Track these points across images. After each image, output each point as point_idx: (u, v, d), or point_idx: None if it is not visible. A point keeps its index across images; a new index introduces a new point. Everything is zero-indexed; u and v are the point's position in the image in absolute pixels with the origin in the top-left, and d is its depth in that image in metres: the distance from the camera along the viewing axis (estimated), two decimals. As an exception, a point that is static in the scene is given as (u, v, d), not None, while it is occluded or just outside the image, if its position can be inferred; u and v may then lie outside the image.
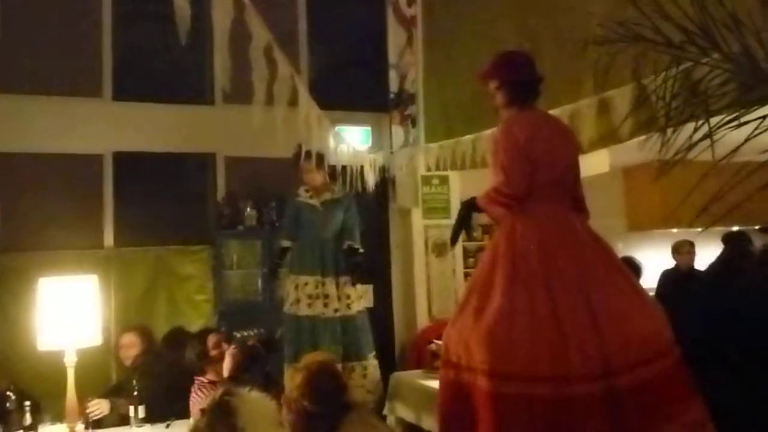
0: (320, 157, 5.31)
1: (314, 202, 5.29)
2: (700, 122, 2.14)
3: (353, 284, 5.17)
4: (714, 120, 2.16)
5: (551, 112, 4.79)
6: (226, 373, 4.11)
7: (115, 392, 4.34)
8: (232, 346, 4.26)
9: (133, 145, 6.30)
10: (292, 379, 2.80)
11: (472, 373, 2.77)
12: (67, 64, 6.26)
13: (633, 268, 5.10)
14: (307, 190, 5.36)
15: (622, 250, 6.73)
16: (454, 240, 3.25)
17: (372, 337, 5.27)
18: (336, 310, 5.04)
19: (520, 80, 3.10)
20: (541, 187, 2.95)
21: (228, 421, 1.93)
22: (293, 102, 6.33)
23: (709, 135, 2.06)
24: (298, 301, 5.10)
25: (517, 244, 2.87)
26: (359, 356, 5.11)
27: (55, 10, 6.21)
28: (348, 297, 5.13)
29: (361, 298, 5.29)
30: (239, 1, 4.41)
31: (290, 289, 5.18)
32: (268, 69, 5.76)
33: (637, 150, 3.09)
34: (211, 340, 4.39)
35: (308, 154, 5.19)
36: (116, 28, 6.45)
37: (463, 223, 3.10)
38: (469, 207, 3.09)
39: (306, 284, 5.09)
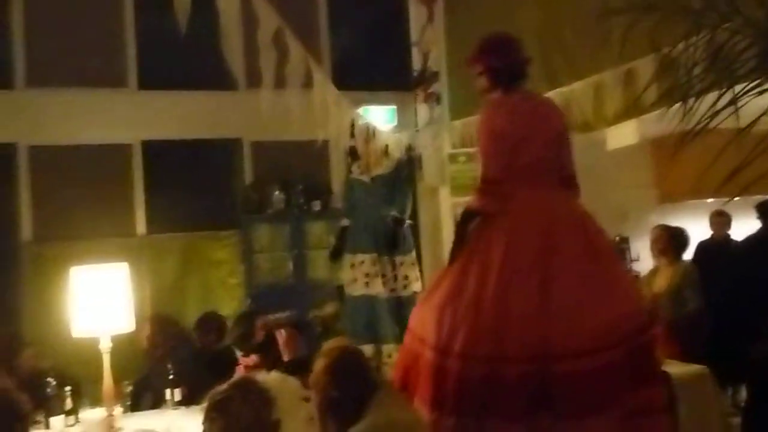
0: (371, 131, 5.17)
1: (365, 178, 5.10)
2: (723, 90, 2.10)
3: (389, 253, 4.93)
4: (738, 87, 2.11)
5: (574, 85, 4.77)
6: (287, 357, 4.11)
7: (147, 378, 4.45)
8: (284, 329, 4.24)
9: (160, 134, 6.38)
10: (315, 365, 2.81)
11: (422, 344, 2.98)
12: (93, 55, 6.33)
13: (678, 239, 5.07)
14: (358, 166, 5.18)
15: (654, 222, 6.65)
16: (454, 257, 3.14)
17: None
18: (392, 290, 4.88)
19: (501, 65, 3.09)
20: (520, 169, 2.96)
21: (264, 414, 1.93)
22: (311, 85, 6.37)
23: (733, 102, 2.02)
24: (354, 280, 4.94)
25: (483, 229, 2.96)
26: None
27: (78, 2, 6.28)
28: (405, 278, 4.93)
29: (417, 279, 5.01)
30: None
31: (347, 268, 5.03)
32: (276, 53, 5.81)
33: (664, 120, 3.05)
34: (260, 322, 4.47)
35: (359, 128, 5.12)
36: (138, 18, 6.50)
37: (462, 238, 3.08)
38: (466, 219, 3.08)
39: (362, 262, 4.90)
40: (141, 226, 6.40)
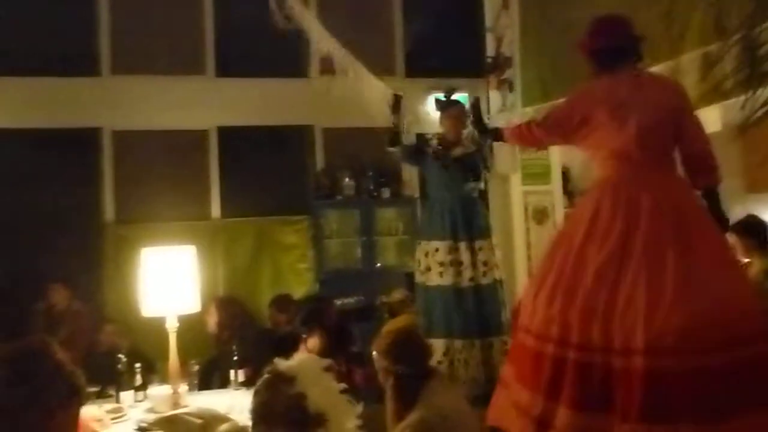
0: (461, 108, 4.78)
1: (446, 155, 4.70)
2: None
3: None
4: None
5: (652, 68, 4.57)
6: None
7: (215, 359, 4.58)
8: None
9: (235, 120, 6.53)
10: (377, 345, 2.89)
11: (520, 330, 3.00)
12: (173, 43, 6.53)
13: (754, 227, 4.78)
14: (439, 143, 4.79)
15: (741, 213, 6.35)
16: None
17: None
18: (471, 279, 4.50)
19: (603, 48, 2.97)
20: (609, 153, 2.85)
21: (286, 390, 2.02)
22: (389, 71, 6.39)
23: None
24: (428, 269, 4.59)
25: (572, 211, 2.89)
26: (500, 330, 4.52)
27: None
28: (485, 264, 4.55)
29: (497, 266, 4.67)
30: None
31: (420, 257, 4.67)
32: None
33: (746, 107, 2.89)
34: (327, 309, 4.49)
35: (453, 102, 4.79)
36: (217, 6, 6.65)
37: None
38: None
39: (437, 250, 4.54)
40: (216, 210, 6.58)
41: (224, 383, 4.25)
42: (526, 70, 6.41)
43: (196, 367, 4.20)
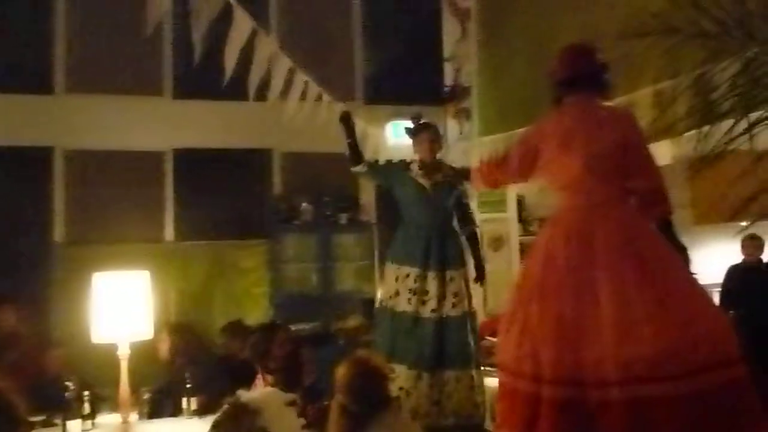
0: (433, 130, 4.61)
1: (425, 182, 4.49)
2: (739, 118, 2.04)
3: (478, 281, 4.54)
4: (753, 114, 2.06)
5: (609, 102, 4.69)
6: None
7: (167, 386, 4.48)
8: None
9: (192, 142, 6.47)
10: (339, 371, 2.88)
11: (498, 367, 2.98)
12: (130, 64, 6.46)
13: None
14: (420, 167, 4.53)
15: (687, 244, 6.52)
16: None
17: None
18: (433, 310, 4.29)
19: (564, 78, 2.95)
20: (561, 184, 2.89)
21: (249, 423, 1.99)
22: (348, 98, 6.42)
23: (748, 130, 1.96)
24: (397, 293, 4.36)
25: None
26: (465, 364, 4.32)
27: (117, 11, 6.41)
28: (455, 295, 4.32)
29: (469, 297, 4.45)
30: None
31: (389, 280, 4.45)
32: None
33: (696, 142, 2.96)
34: (280, 338, 4.39)
35: (425, 125, 4.57)
36: (176, 29, 6.60)
37: None
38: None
39: (407, 276, 4.35)
40: (169, 232, 6.49)
41: (176, 411, 4.16)
42: (484, 99, 6.53)
43: (147, 395, 4.11)
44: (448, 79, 7.05)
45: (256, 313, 6.36)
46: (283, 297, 6.48)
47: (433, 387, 4.18)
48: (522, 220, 7.49)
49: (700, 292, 2.76)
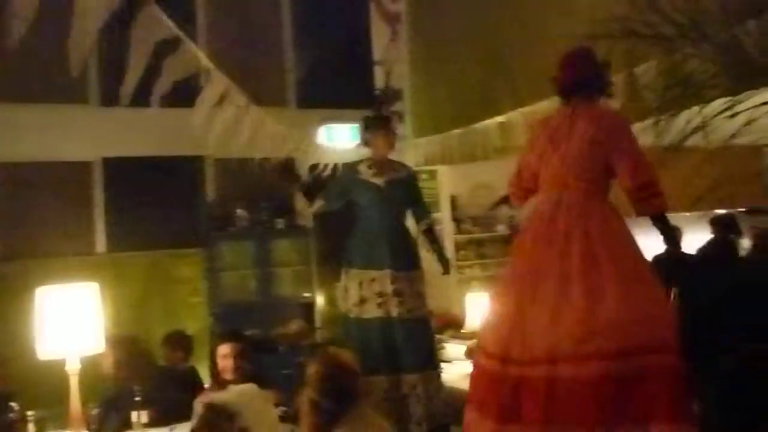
0: (392, 125, 4.43)
1: (378, 181, 4.33)
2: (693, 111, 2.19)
3: (446, 273, 4.49)
4: (707, 109, 2.21)
5: (541, 103, 4.89)
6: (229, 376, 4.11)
7: (112, 400, 4.35)
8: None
9: (122, 151, 6.30)
10: (310, 368, 2.91)
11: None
12: (54, 71, 6.22)
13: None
14: (369, 166, 4.37)
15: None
16: None
17: None
18: (404, 312, 4.16)
19: (561, 83, 3.12)
20: (542, 179, 3.07)
21: (228, 426, 1.98)
22: (280, 102, 6.42)
23: (702, 126, 2.11)
24: (363, 301, 4.19)
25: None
26: (434, 365, 4.31)
27: (42, 18, 6.17)
28: (420, 295, 4.25)
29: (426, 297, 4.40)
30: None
31: (351, 287, 4.26)
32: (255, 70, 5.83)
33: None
34: (223, 350, 4.34)
35: (387, 118, 4.41)
36: (101, 35, 6.41)
37: None
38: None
39: (373, 280, 4.19)
40: (101, 244, 6.30)
41: (124, 426, 4.05)
42: (417, 102, 6.63)
43: (95, 411, 3.98)
44: (379, 83, 7.14)
45: (195, 323, 6.25)
46: (222, 305, 6.39)
47: (405, 390, 4.10)
48: (455, 219, 7.66)
49: (645, 282, 2.86)
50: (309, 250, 6.90)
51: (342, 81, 7.21)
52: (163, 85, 4.99)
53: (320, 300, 6.94)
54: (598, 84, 3.02)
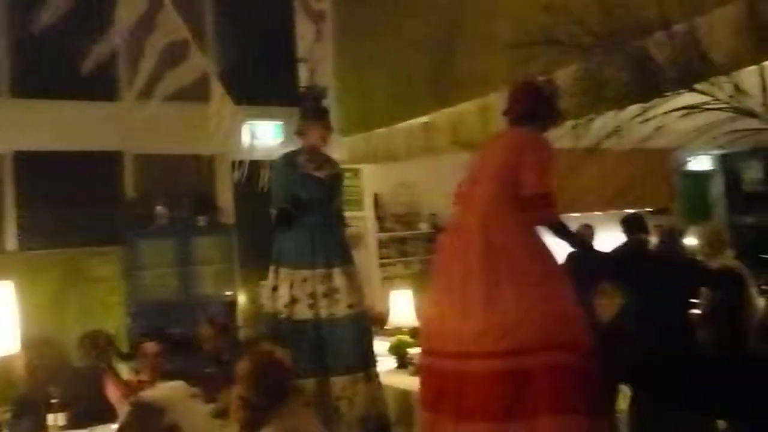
0: (327, 113, 4.22)
1: (320, 174, 4.15)
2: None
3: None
4: (620, 114, 2.34)
5: (464, 104, 5.01)
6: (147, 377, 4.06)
7: (25, 402, 4.22)
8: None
9: (35, 144, 6.07)
10: (240, 364, 2.91)
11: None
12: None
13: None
14: (308, 159, 4.14)
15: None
16: None
17: None
18: (350, 306, 4.03)
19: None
20: (465, 189, 3.30)
21: (157, 423, 1.96)
22: (204, 98, 6.31)
23: (616, 130, 2.24)
24: (294, 301, 3.99)
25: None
26: (372, 362, 4.19)
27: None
28: (356, 292, 4.11)
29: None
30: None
31: (281, 287, 4.03)
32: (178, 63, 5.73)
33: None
34: (144, 349, 4.28)
35: (326, 110, 4.20)
36: (12, 21, 6.17)
37: None
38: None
39: (305, 280, 4.00)
40: (12, 241, 6.05)
41: (38, 429, 3.93)
42: (341, 100, 6.65)
43: (8, 414, 3.85)
44: (304, 80, 7.12)
45: (113, 322, 6.06)
46: (141, 305, 6.24)
47: (337, 392, 3.96)
48: (378, 217, 7.74)
49: (541, 283, 3.01)
50: (231, 248, 6.83)
51: (266, 78, 7.15)
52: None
53: (242, 298, 6.89)
54: (545, 116, 3.19)
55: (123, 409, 3.52)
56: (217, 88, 6.13)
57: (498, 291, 2.93)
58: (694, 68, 2.19)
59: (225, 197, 6.96)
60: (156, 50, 5.06)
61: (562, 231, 3.17)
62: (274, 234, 4.18)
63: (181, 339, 6.18)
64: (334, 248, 4.10)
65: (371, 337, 4.25)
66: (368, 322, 4.27)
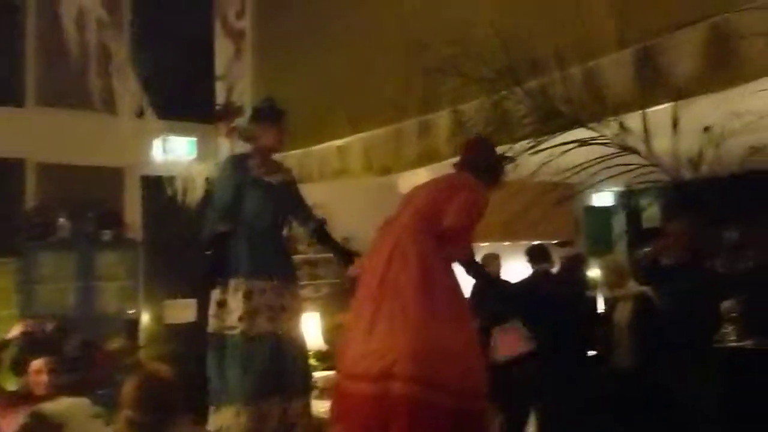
0: (283, 114, 3.90)
1: (272, 180, 3.88)
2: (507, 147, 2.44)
3: (349, 264, 3.92)
4: (517, 146, 2.46)
5: (378, 130, 5.10)
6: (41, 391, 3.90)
7: None
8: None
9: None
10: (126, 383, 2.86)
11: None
12: None
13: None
14: (259, 164, 3.86)
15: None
16: None
17: None
18: (288, 328, 3.75)
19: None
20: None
21: None
22: (115, 109, 6.18)
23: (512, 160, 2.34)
24: (252, 314, 3.64)
25: None
26: (309, 389, 3.95)
27: None
28: (299, 312, 3.90)
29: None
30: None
31: (233, 300, 3.67)
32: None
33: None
34: (36, 365, 4.11)
35: (274, 109, 3.87)
36: None
37: None
38: None
39: (263, 291, 3.68)
40: None
41: None
42: (258, 120, 6.61)
43: None
44: (220, 98, 7.08)
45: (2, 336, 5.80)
46: (36, 318, 5.98)
47: (291, 418, 3.70)
48: (289, 239, 7.69)
49: (434, 319, 3.10)
50: (137, 265, 6.66)
51: (181, 94, 7.05)
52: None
53: (146, 317, 6.71)
54: (488, 170, 3.28)
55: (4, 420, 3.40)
56: (129, 100, 6.04)
57: (380, 320, 3.07)
58: (587, 108, 2.33)
59: (133, 212, 6.79)
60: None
61: (473, 268, 3.34)
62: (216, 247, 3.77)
63: (73, 355, 5.98)
64: (284, 261, 3.88)
65: (308, 361, 4.08)
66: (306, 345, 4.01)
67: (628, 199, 8.88)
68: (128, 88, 6.32)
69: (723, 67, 2.71)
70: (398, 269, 3.12)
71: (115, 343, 5.99)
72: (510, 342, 5.55)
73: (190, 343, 6.67)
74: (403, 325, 3.02)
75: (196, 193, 6.64)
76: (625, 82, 2.37)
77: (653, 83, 2.93)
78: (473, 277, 3.39)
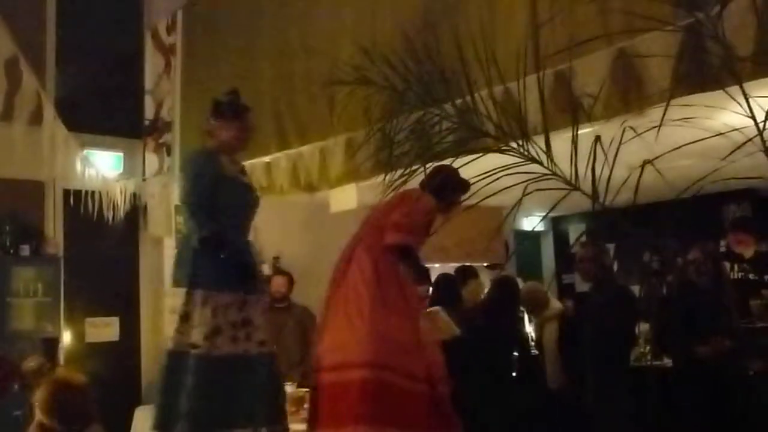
0: (247, 110, 3.60)
1: (246, 180, 3.63)
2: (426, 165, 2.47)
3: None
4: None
5: (305, 147, 5.13)
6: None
7: None
8: None
9: None
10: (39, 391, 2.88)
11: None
12: None
13: None
14: (231, 161, 3.52)
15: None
16: None
17: None
18: (261, 345, 3.40)
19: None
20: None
21: None
22: (36, 120, 6.02)
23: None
24: (216, 332, 3.26)
25: None
26: (284, 416, 3.54)
27: None
28: (267, 327, 3.53)
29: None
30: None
31: (198, 313, 3.27)
32: (8, 82, 5.46)
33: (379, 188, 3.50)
34: None
35: (237, 104, 3.57)
36: None
37: None
38: None
39: (228, 306, 3.31)
40: None
41: None
42: (187, 135, 6.55)
43: None
44: (149, 113, 6.98)
45: None
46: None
47: None
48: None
49: (360, 318, 3.45)
50: (58, 281, 6.44)
51: (108, 107, 6.93)
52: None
53: (67, 335, 6.49)
54: (444, 193, 3.62)
55: None
56: (50, 112, 5.90)
57: (335, 317, 3.51)
58: (509, 127, 2.38)
59: (54, 226, 6.59)
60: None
61: (407, 255, 3.58)
62: (190, 252, 3.37)
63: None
64: (254, 269, 3.50)
65: (281, 385, 3.62)
66: (278, 365, 3.59)
67: (556, 224, 9.12)
68: (51, 101, 6.20)
69: (629, 91, 2.85)
70: (351, 274, 3.52)
71: (31, 363, 5.78)
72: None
73: (113, 362, 6.52)
74: (360, 322, 3.39)
75: (120, 209, 6.55)
76: (538, 105, 2.44)
77: (565, 107, 3.05)
78: (409, 263, 3.61)
